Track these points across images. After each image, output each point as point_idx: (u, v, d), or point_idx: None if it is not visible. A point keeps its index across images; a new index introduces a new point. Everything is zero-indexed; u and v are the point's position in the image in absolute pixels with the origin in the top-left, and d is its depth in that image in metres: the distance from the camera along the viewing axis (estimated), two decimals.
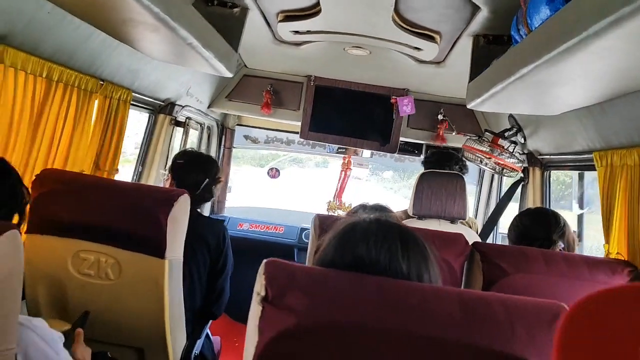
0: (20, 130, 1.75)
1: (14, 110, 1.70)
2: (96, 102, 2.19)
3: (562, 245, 2.02)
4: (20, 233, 1.23)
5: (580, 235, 2.59)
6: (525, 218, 2.17)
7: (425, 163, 3.35)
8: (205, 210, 4.27)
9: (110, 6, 1.49)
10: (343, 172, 4.66)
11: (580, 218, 2.62)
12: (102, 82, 2.17)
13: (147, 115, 2.98)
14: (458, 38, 2.38)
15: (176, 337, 2.00)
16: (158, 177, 3.00)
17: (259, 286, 0.84)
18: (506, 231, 3.22)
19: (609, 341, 0.49)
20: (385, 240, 0.94)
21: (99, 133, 2.25)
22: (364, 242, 0.94)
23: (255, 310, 0.83)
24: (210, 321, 2.47)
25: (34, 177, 1.83)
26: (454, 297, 0.87)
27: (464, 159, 3.30)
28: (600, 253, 2.08)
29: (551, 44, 1.24)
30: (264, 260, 0.89)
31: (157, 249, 1.83)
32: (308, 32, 2.56)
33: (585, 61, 1.24)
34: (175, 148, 3.36)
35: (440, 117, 3.64)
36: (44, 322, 1.23)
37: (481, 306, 0.87)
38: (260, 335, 0.81)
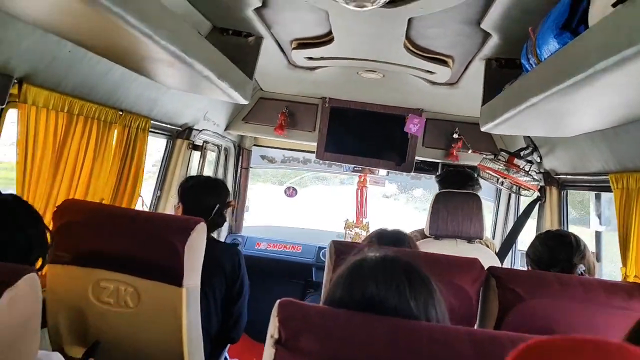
0: (44, 164, 1.81)
1: (36, 145, 1.76)
2: (115, 131, 2.25)
3: (583, 269, 2.01)
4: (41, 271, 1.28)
5: (598, 255, 2.57)
6: (545, 241, 2.14)
7: (439, 182, 3.36)
8: (223, 230, 4.32)
9: (128, 45, 1.54)
10: (359, 191, 4.68)
11: (598, 238, 2.60)
12: (121, 113, 2.23)
13: (165, 141, 3.04)
14: (470, 62, 2.40)
15: None
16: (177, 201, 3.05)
17: (273, 328, 0.86)
18: (524, 248, 3.20)
19: None
20: (393, 279, 0.95)
21: (118, 162, 2.31)
22: (372, 281, 0.96)
23: (268, 354, 0.85)
24: (229, 345, 2.49)
25: (55, 208, 1.89)
26: (463, 336, 0.88)
27: (477, 177, 3.30)
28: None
29: (559, 77, 1.25)
30: (278, 301, 0.91)
31: (175, 277, 1.86)
32: (321, 58, 2.61)
33: (593, 94, 1.26)
34: (193, 172, 3.42)
35: (455, 135, 3.65)
36: (61, 357, 1.27)
37: (492, 345, 0.88)
38: None
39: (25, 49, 1.53)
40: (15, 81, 1.57)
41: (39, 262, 1.35)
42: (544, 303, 1.77)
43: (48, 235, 1.37)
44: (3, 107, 1.55)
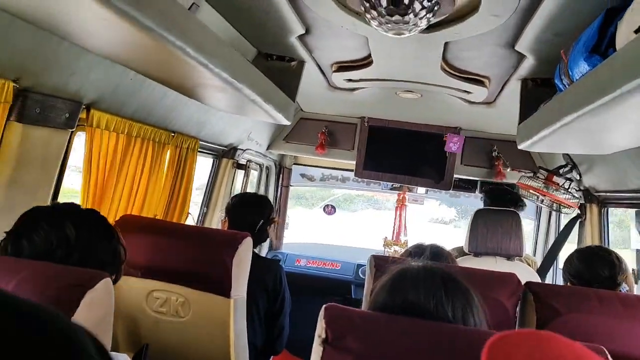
0: (105, 182, 1.97)
1: (99, 165, 1.92)
2: (168, 152, 2.40)
3: (627, 289, 2.01)
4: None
5: (638, 273, 2.55)
6: (586, 256, 2.13)
7: (485, 200, 3.39)
8: (264, 246, 4.44)
9: (185, 73, 1.68)
10: (398, 209, 4.73)
11: (639, 256, 2.58)
12: (173, 134, 2.39)
13: (211, 159, 3.20)
14: (507, 81, 2.46)
15: None
16: (221, 218, 3.20)
17: (320, 329, 0.95)
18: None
19: None
20: (432, 287, 1.03)
21: (170, 180, 2.46)
22: (413, 289, 1.04)
23: (317, 352, 0.94)
24: (272, 357, 2.58)
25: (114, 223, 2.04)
26: None
27: (517, 194, 3.32)
28: None
29: (590, 97, 1.31)
30: (324, 306, 1.00)
31: (223, 288, 1.97)
32: (361, 80, 2.71)
33: (623, 113, 1.31)
34: (237, 189, 3.57)
35: (494, 154, 3.68)
36: (128, 358, 1.38)
37: None
38: None
39: (93, 78, 1.70)
40: (84, 107, 1.73)
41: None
42: (582, 318, 1.79)
43: (122, 250, 1.45)
44: (73, 130, 1.71)
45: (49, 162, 1.67)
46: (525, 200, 3.30)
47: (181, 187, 2.55)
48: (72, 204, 1.44)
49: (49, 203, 1.66)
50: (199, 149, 2.70)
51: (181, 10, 1.33)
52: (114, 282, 1.42)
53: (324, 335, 0.93)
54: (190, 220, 2.81)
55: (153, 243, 2.04)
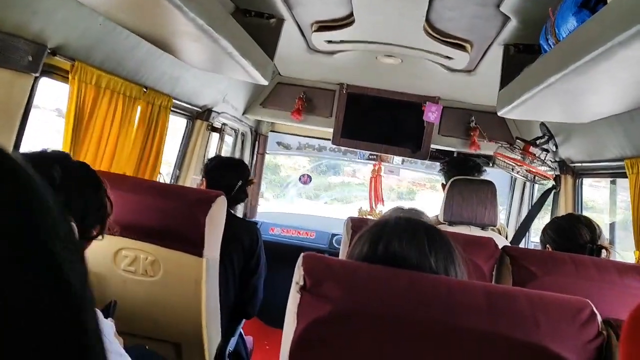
0: (74, 134, 1.87)
1: (69, 115, 1.83)
2: (139, 108, 2.31)
3: (606, 255, 2.02)
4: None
5: (612, 242, 2.59)
6: (573, 221, 2.13)
7: (445, 172, 3.38)
8: (238, 214, 4.38)
9: (157, 19, 1.59)
10: (374, 179, 4.72)
11: (612, 225, 2.62)
12: (145, 90, 2.29)
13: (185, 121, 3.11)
14: (489, 47, 2.42)
15: (212, 334, 2.09)
16: (194, 182, 3.12)
17: (298, 276, 0.91)
18: (537, 240, 3.20)
19: None
20: (414, 237, 1.00)
21: (141, 137, 2.37)
22: (395, 239, 1.01)
23: (294, 298, 0.90)
24: (244, 320, 2.55)
25: None
26: (480, 290, 0.92)
27: (494, 164, 3.33)
28: None
29: (578, 54, 1.28)
30: (302, 254, 0.96)
31: (196, 247, 1.92)
32: (341, 41, 2.64)
33: (611, 70, 1.28)
34: (211, 153, 3.48)
35: (472, 124, 3.67)
36: (99, 312, 1.32)
37: (506, 299, 0.92)
38: (298, 321, 0.88)
39: (59, 19, 1.59)
40: (49, 51, 1.63)
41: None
42: (557, 281, 1.80)
43: (108, 204, 1.40)
44: (37, 75, 1.61)
45: (11, 107, 1.57)
46: (500, 170, 3.31)
47: (153, 145, 2.46)
48: (64, 152, 1.38)
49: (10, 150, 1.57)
50: (172, 108, 2.60)
51: None
52: (97, 235, 1.36)
53: (301, 282, 0.89)
54: (162, 181, 2.74)
55: (122, 199, 1.94)
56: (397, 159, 4.55)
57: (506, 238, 3.19)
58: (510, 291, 0.94)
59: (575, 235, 2.04)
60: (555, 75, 1.49)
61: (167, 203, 1.95)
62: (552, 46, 1.62)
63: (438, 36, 2.38)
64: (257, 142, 4.44)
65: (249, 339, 2.78)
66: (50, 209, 0.38)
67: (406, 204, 2.19)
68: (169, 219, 1.93)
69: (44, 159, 1.26)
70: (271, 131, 4.57)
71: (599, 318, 0.94)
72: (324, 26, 2.50)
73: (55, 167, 1.22)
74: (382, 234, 1.03)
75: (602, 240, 2.07)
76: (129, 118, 2.22)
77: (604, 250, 1.98)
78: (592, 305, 0.93)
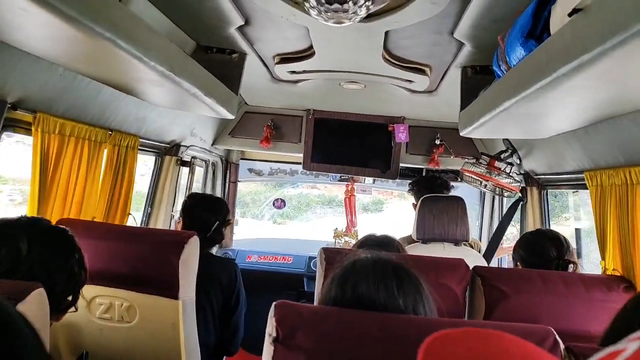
0: (36, 184, 1.85)
1: (35, 167, 1.81)
2: (105, 151, 2.29)
3: (573, 268, 2.09)
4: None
5: (579, 252, 2.66)
6: (540, 237, 2.21)
7: (415, 191, 3.44)
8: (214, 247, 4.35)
9: (119, 67, 1.60)
10: (347, 200, 4.75)
11: (578, 234, 2.69)
12: (110, 132, 2.28)
13: (154, 158, 3.09)
14: (447, 70, 2.49)
15: None
16: (167, 217, 3.10)
17: (270, 327, 0.92)
18: (509, 250, 3.25)
19: None
20: (383, 278, 1.02)
21: (109, 180, 2.35)
22: (363, 281, 1.03)
23: (268, 351, 0.91)
24: (225, 358, 2.53)
25: None
26: (448, 327, 0.94)
27: (461, 180, 3.40)
28: None
29: (527, 82, 1.34)
30: (274, 303, 0.97)
31: (171, 290, 1.90)
32: (304, 71, 2.68)
33: (559, 97, 1.34)
34: (182, 187, 3.47)
35: (437, 141, 3.74)
36: None
37: None
38: None
39: (18, 74, 1.59)
40: (9, 106, 1.62)
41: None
42: (527, 299, 1.85)
43: (81, 273, 1.38)
44: None
45: None
46: (469, 185, 3.38)
47: (122, 187, 2.44)
48: (39, 218, 1.36)
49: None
50: (139, 147, 2.59)
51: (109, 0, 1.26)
52: (71, 304, 1.34)
53: (274, 334, 0.90)
54: (132, 222, 2.72)
55: (92, 246, 1.94)
56: (369, 178, 4.59)
57: (479, 252, 3.24)
58: (478, 325, 0.96)
59: (542, 251, 2.11)
60: (509, 100, 1.55)
61: (139, 247, 1.94)
62: (505, 72, 1.69)
63: (397, 62, 2.44)
64: (228, 171, 4.43)
65: None
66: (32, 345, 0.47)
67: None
68: (142, 264, 1.91)
69: (12, 229, 1.24)
70: (242, 159, 4.58)
71: (562, 345, 0.98)
72: (286, 58, 2.54)
73: (21, 238, 1.21)
74: (350, 276, 1.04)
75: (570, 253, 2.14)
76: (95, 162, 2.20)
77: (571, 265, 2.04)
78: (555, 334, 0.96)
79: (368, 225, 4.88)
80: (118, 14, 1.33)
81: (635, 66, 1.03)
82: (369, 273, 1.03)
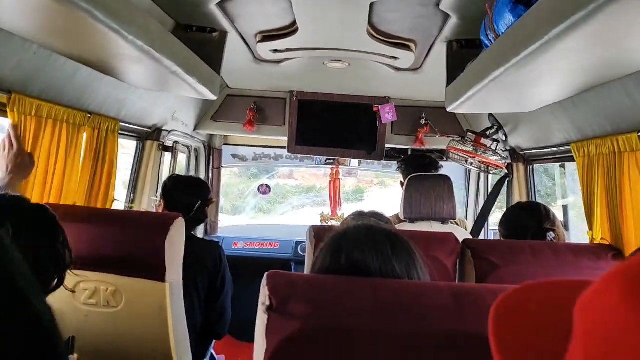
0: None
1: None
2: (84, 134, 2.23)
3: (553, 236, 2.10)
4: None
5: (566, 224, 2.67)
6: (516, 210, 2.28)
7: (403, 170, 3.43)
8: (199, 232, 4.30)
9: (95, 43, 1.54)
10: (332, 183, 4.73)
11: (565, 208, 2.70)
12: (89, 115, 2.22)
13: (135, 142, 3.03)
14: (432, 45, 2.46)
15: (182, 359, 2.04)
16: (150, 202, 3.05)
17: (263, 297, 0.90)
18: (496, 227, 3.27)
19: (538, 335, 0.52)
20: (375, 244, 1.00)
21: (89, 164, 2.29)
22: (356, 247, 1.01)
23: (261, 319, 0.88)
24: (214, 341, 2.50)
25: None
26: (445, 290, 0.93)
27: (447, 159, 3.39)
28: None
29: (517, 48, 1.32)
30: (266, 273, 0.94)
31: (157, 273, 1.87)
32: (287, 49, 2.63)
33: (550, 62, 1.32)
34: (165, 172, 3.41)
35: (422, 121, 3.72)
36: None
37: (471, 296, 0.93)
38: (267, 341, 0.87)
39: None
40: None
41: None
42: (517, 269, 1.85)
43: (67, 254, 1.33)
44: None
45: None
46: (455, 164, 3.37)
47: (103, 172, 2.38)
48: (20, 198, 1.31)
49: None
50: (120, 131, 2.53)
51: None
52: (55, 287, 1.30)
53: (267, 303, 0.87)
54: (119, 207, 2.66)
55: (75, 230, 1.88)
56: (354, 161, 4.57)
57: (466, 230, 3.25)
58: (474, 288, 0.95)
59: (521, 224, 2.13)
60: (498, 69, 1.53)
61: (123, 230, 1.89)
62: (493, 41, 1.66)
63: (382, 38, 2.41)
64: (211, 157, 4.37)
65: (220, 358, 2.73)
66: (16, 257, 0.47)
67: (355, 207, 2.19)
68: (127, 247, 1.87)
69: None
70: (225, 144, 4.52)
71: None
72: (268, 36, 2.49)
73: (5, 222, 1.16)
74: (343, 244, 1.02)
75: (554, 221, 2.15)
76: (74, 146, 2.14)
77: (550, 233, 2.05)
78: None
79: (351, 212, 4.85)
80: None
81: (629, 24, 1.01)
82: (363, 240, 1.01)
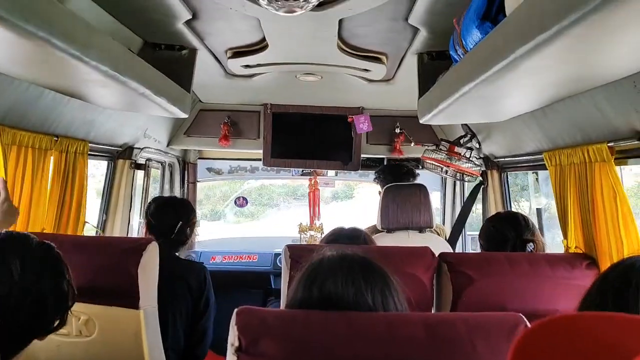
0: None
1: None
2: (52, 158, 2.17)
3: (532, 247, 2.11)
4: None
5: (541, 230, 2.69)
6: (496, 221, 2.28)
7: (381, 179, 3.42)
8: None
9: (57, 70, 1.50)
10: (311, 194, 4.71)
11: (539, 213, 2.73)
12: (56, 138, 2.16)
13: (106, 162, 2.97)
14: (403, 57, 2.47)
15: None
16: (123, 223, 2.98)
17: (232, 337, 0.87)
18: (473, 232, 3.28)
19: None
20: (349, 275, 0.98)
21: (58, 189, 2.23)
22: (330, 279, 0.98)
23: None
24: None
25: None
26: (418, 321, 0.91)
27: (422, 167, 3.40)
28: None
29: (485, 65, 1.32)
30: (235, 310, 0.91)
31: (131, 300, 1.82)
32: (258, 65, 2.61)
33: (518, 78, 1.32)
34: (139, 191, 3.35)
35: (397, 130, 3.72)
36: None
37: (444, 326, 0.92)
38: None
39: None
40: None
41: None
42: (494, 281, 1.85)
43: (70, 294, 1.29)
44: None
45: None
46: (430, 172, 3.38)
47: (73, 195, 2.32)
48: (26, 235, 1.26)
49: None
50: (89, 152, 2.47)
51: None
52: (58, 327, 1.27)
53: (237, 343, 0.85)
54: (91, 230, 2.61)
55: None
56: (331, 171, 4.56)
57: (445, 237, 3.26)
58: (447, 318, 0.94)
59: (500, 237, 2.13)
60: (467, 84, 1.53)
61: (95, 257, 1.84)
62: (462, 56, 1.67)
63: (353, 52, 2.40)
64: (186, 172, 4.31)
65: None
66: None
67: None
68: (99, 274, 1.82)
69: (2, 248, 1.17)
70: (200, 158, 4.46)
71: None
72: (239, 52, 2.47)
73: (13, 260, 1.14)
74: (317, 275, 1.00)
75: (533, 230, 2.16)
76: (41, 171, 2.07)
77: (530, 244, 2.06)
78: (526, 320, 0.94)
79: (334, 216, 4.84)
80: (52, 11, 1.23)
81: (594, 42, 1.02)
82: (336, 271, 0.99)
